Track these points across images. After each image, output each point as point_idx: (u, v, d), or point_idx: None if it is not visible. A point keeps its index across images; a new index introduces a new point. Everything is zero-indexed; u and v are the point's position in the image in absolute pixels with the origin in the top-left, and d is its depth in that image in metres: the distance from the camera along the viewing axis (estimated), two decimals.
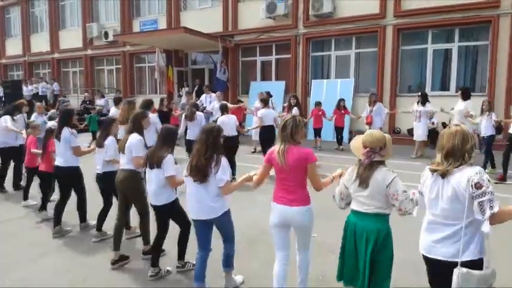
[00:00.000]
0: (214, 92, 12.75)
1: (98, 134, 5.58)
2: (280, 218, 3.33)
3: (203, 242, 3.67)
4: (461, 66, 12.22)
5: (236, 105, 12.21)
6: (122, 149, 4.49)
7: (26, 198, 6.80)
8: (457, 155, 2.49)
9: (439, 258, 2.53)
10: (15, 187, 7.74)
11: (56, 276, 4.19)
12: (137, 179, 4.50)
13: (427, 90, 12.40)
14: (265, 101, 9.51)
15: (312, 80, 14.45)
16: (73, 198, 5.49)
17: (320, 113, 11.61)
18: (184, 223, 4.12)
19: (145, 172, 4.13)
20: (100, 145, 4.93)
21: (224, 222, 3.65)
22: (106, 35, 19.45)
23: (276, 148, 3.30)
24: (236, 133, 8.14)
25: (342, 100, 11.68)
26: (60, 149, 5.27)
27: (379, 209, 2.93)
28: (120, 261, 4.38)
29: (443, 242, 2.52)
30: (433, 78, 12.61)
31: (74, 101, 19.69)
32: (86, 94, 18.21)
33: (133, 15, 19.25)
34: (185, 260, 4.24)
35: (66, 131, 5.21)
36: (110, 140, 4.92)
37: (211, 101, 12.51)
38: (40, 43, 23.48)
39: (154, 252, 4.15)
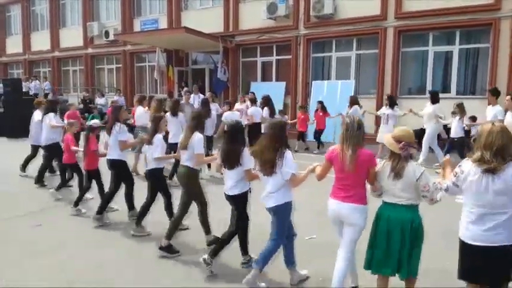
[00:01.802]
0: (215, 92, 12.74)
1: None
2: (333, 213, 3.48)
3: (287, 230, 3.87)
4: (461, 68, 12.22)
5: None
6: (184, 146, 4.62)
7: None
8: (506, 153, 2.74)
9: (495, 244, 2.78)
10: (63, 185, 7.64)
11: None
12: (196, 177, 4.78)
13: (428, 92, 12.42)
14: (254, 100, 10.35)
15: (313, 81, 14.46)
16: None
17: (303, 116, 11.79)
18: (245, 217, 4.21)
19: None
20: (150, 142, 5.05)
21: (283, 213, 3.76)
22: (107, 34, 19.46)
23: (339, 148, 3.37)
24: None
25: (320, 102, 11.82)
26: (112, 143, 5.54)
27: (411, 200, 3.19)
28: (168, 251, 4.53)
29: (496, 230, 2.78)
30: (433, 81, 12.60)
31: (74, 100, 19.67)
32: (84, 93, 18.16)
33: (134, 14, 19.25)
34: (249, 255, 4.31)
35: (117, 126, 5.52)
36: (158, 138, 5.05)
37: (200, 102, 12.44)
38: (40, 41, 23.48)
39: (242, 241, 4.27)
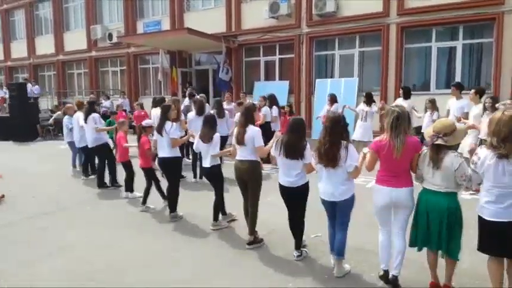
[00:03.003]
0: (219, 92, 12.73)
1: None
2: (386, 199, 3.65)
3: (331, 217, 4.11)
4: (465, 64, 12.15)
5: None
6: (240, 142, 4.78)
7: (130, 190, 7.20)
8: None
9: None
10: (112, 183, 7.95)
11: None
12: (260, 169, 4.95)
13: (432, 88, 12.39)
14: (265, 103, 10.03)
15: (316, 80, 14.45)
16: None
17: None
18: (304, 210, 4.41)
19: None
20: (208, 140, 5.29)
21: (347, 206, 3.96)
22: (110, 36, 19.55)
23: (386, 137, 3.55)
24: None
25: (288, 106, 11.72)
26: (163, 142, 5.81)
27: (448, 189, 3.42)
28: (255, 243, 4.78)
29: None
30: (437, 76, 12.56)
31: None
32: (91, 96, 18.26)
33: (137, 16, 19.32)
34: (303, 243, 4.56)
35: (168, 125, 5.79)
36: (217, 136, 5.35)
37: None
38: (45, 45, 23.62)
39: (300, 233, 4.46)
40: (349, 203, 3.95)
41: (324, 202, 4.05)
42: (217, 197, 5.48)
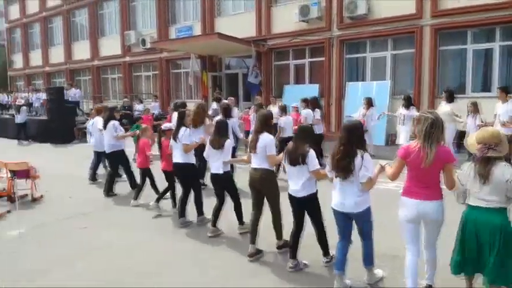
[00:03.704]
0: (249, 96, 12.78)
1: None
2: (414, 213, 3.40)
3: (343, 232, 3.87)
4: (503, 66, 11.74)
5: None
6: (252, 149, 4.70)
7: (136, 198, 7.09)
8: None
9: None
10: (133, 187, 7.80)
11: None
12: (274, 177, 4.86)
13: (468, 91, 12.04)
14: (284, 108, 9.41)
15: (347, 83, 14.31)
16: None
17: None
18: (319, 220, 4.29)
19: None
20: (219, 147, 5.19)
21: (364, 218, 3.79)
22: (143, 42, 20.04)
23: (417, 145, 3.33)
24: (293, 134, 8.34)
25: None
26: (177, 147, 5.79)
27: (499, 204, 3.11)
28: (256, 255, 4.65)
29: None
30: (474, 80, 12.19)
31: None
32: (125, 100, 18.76)
33: (170, 22, 19.72)
34: (331, 254, 4.37)
35: (182, 130, 5.76)
36: (228, 143, 5.24)
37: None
38: (81, 51, 24.49)
39: (292, 242, 4.33)
40: (364, 215, 3.75)
41: (335, 213, 3.84)
42: (235, 202, 5.41)
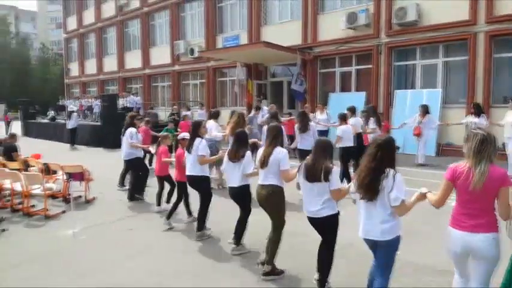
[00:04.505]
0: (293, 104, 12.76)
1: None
2: (460, 247, 2.96)
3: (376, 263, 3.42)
4: None
5: (287, 118, 12.15)
6: (262, 164, 4.37)
7: (159, 204, 7.11)
8: None
9: None
10: (133, 195, 7.92)
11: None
12: (283, 195, 4.43)
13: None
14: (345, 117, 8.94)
15: (395, 91, 13.97)
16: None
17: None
18: (333, 244, 3.91)
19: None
20: (238, 159, 4.86)
21: (390, 249, 3.26)
22: (192, 51, 20.63)
23: (466, 165, 2.93)
24: (352, 143, 8.19)
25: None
26: (190, 159, 5.58)
27: None
28: (273, 274, 4.30)
29: None
30: None
31: (162, 114, 21.06)
32: (174, 107, 19.34)
33: (217, 31, 20.18)
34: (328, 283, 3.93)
35: (197, 141, 5.55)
36: (248, 154, 4.92)
37: (263, 115, 12.52)
38: (133, 60, 25.57)
39: (326, 271, 3.91)
40: (391, 244, 3.22)
41: (364, 240, 3.38)
42: (242, 217, 5.04)
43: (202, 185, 5.63)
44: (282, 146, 4.48)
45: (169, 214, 6.20)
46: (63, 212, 7.18)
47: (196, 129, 5.70)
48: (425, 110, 10.70)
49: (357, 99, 14.29)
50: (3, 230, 6.19)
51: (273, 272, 4.31)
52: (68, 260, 5.05)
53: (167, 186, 7.12)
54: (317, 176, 3.69)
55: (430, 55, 13.45)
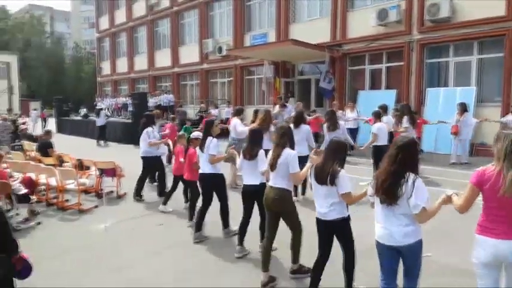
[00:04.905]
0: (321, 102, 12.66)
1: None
2: (489, 256, 2.75)
3: (387, 271, 3.21)
4: None
5: (313, 116, 12.04)
6: (271, 166, 4.26)
7: (165, 203, 7.10)
8: None
9: None
10: (159, 194, 7.98)
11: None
12: (290, 199, 4.37)
13: None
14: (379, 114, 8.72)
15: (427, 89, 13.63)
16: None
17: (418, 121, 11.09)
18: (350, 248, 3.76)
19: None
20: (252, 157, 4.80)
21: (413, 254, 3.10)
22: (220, 49, 20.78)
23: (494, 169, 2.73)
24: (386, 142, 7.94)
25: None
26: (203, 158, 5.54)
27: None
28: (270, 283, 4.19)
29: None
30: None
31: (191, 111, 21.35)
32: (202, 105, 19.58)
33: (245, 29, 20.23)
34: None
35: (208, 140, 5.53)
36: (262, 152, 4.78)
37: (289, 111, 12.45)
38: (163, 59, 25.98)
39: (314, 274, 3.84)
40: (415, 249, 3.05)
41: (378, 247, 3.18)
42: (262, 221, 4.85)
43: (216, 182, 5.57)
44: (291, 147, 4.33)
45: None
46: (96, 206, 7.39)
47: (209, 128, 5.68)
48: (463, 108, 10.48)
49: (387, 97, 14.02)
50: (39, 223, 6.43)
51: (300, 271, 4.31)
52: (99, 255, 5.19)
53: (181, 186, 7.12)
54: (324, 179, 3.59)
55: (464, 52, 13.04)
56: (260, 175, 4.73)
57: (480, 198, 2.81)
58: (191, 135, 6.40)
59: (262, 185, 4.73)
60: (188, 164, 6.25)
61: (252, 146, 4.82)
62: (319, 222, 3.74)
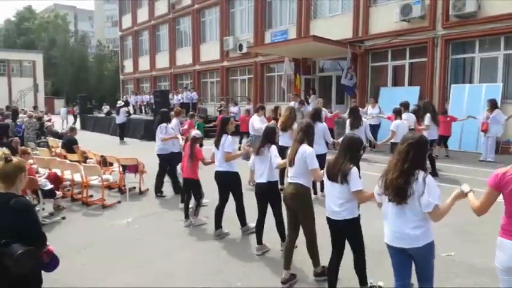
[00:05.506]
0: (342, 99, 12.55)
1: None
2: (510, 258, 2.60)
3: (398, 273, 3.13)
4: None
5: (333, 113, 11.87)
6: (289, 161, 4.21)
7: (183, 201, 6.89)
8: None
9: None
10: (176, 191, 7.95)
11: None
12: (308, 195, 4.28)
13: None
14: (400, 112, 8.65)
15: (452, 85, 13.34)
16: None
17: (448, 119, 10.98)
18: (360, 248, 3.69)
19: None
20: (258, 152, 4.78)
21: (425, 257, 3.00)
22: (240, 47, 20.81)
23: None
24: None
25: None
26: (218, 155, 5.51)
27: None
28: (290, 281, 4.17)
29: None
30: None
31: (211, 109, 21.46)
32: (222, 103, 19.65)
33: (266, 27, 20.19)
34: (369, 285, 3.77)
35: (223, 138, 5.48)
36: (274, 148, 4.77)
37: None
38: (184, 56, 26.20)
39: (331, 274, 3.80)
40: (426, 251, 2.93)
41: (390, 250, 3.08)
42: (277, 220, 4.85)
43: (231, 180, 5.52)
44: (310, 143, 4.23)
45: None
46: (119, 202, 7.52)
47: (224, 126, 5.61)
48: (493, 105, 10.24)
49: (411, 93, 13.79)
50: (63, 218, 6.58)
51: (324, 273, 4.11)
52: (122, 249, 5.27)
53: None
54: (335, 175, 3.51)
55: (490, 48, 12.70)
56: (267, 173, 4.71)
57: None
58: (193, 135, 6.30)
59: (270, 184, 4.74)
60: (195, 162, 6.07)
61: (263, 142, 4.81)
62: (330, 221, 3.67)
